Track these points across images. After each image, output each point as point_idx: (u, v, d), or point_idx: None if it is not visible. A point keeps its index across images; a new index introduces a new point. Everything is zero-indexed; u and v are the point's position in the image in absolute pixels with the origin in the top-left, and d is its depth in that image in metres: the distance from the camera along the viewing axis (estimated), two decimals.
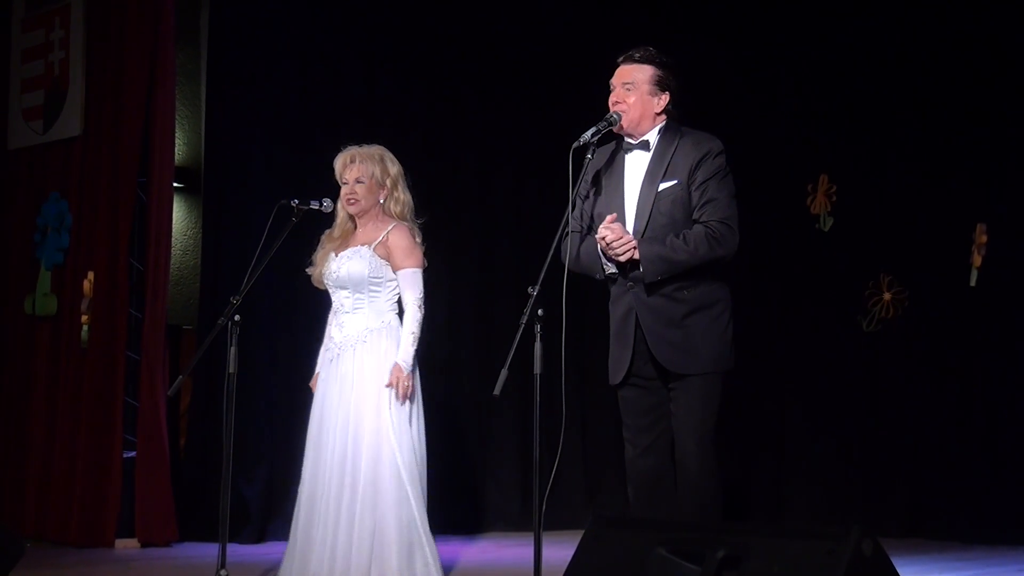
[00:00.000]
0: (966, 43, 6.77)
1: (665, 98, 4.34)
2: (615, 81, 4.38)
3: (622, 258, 4.19)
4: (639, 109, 4.32)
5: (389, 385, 4.89)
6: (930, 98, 6.90)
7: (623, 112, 4.32)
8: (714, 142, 4.31)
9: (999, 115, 6.64)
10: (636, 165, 4.35)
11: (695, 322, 4.24)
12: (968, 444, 6.65)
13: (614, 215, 4.25)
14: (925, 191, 6.89)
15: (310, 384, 5.16)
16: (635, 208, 4.29)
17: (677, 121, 4.41)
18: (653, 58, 4.35)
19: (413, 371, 4.98)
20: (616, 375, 4.36)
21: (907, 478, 6.84)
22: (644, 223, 4.25)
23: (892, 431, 6.93)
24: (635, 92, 4.32)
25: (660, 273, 4.19)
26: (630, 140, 4.37)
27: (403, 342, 4.94)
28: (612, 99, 4.36)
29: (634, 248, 4.18)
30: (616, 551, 3.16)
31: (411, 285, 4.98)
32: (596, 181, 4.43)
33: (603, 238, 4.21)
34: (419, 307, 4.97)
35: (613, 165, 4.40)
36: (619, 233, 4.18)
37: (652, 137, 4.34)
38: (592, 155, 4.30)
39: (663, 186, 4.26)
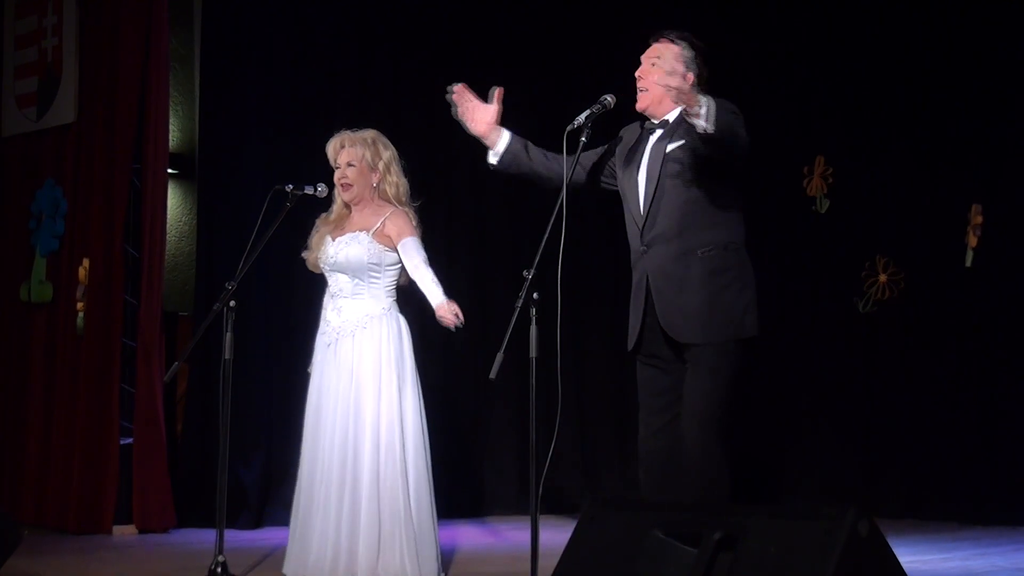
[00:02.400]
0: (961, 25, 6.75)
1: (689, 78, 4.24)
2: (643, 57, 4.37)
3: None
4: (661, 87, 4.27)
5: (442, 316, 4.82)
6: (926, 79, 6.89)
7: (645, 89, 4.31)
8: (720, 102, 4.20)
9: (995, 96, 6.62)
10: (654, 141, 4.34)
11: (705, 287, 4.18)
12: (964, 425, 6.65)
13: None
14: (921, 172, 6.89)
15: (308, 369, 5.10)
16: (645, 174, 4.28)
17: None
18: (683, 38, 4.34)
19: (405, 359, 4.96)
20: (630, 341, 4.34)
21: (903, 459, 6.85)
22: (653, 186, 4.23)
23: (888, 412, 6.94)
24: (660, 69, 4.28)
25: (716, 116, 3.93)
26: (652, 120, 4.36)
27: (434, 288, 4.86)
28: (637, 73, 4.36)
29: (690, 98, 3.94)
30: (612, 533, 3.15)
31: (415, 250, 4.93)
32: (623, 158, 4.42)
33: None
34: (428, 265, 4.92)
35: (639, 143, 4.40)
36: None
37: (672, 117, 4.31)
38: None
39: (671, 147, 4.24)
